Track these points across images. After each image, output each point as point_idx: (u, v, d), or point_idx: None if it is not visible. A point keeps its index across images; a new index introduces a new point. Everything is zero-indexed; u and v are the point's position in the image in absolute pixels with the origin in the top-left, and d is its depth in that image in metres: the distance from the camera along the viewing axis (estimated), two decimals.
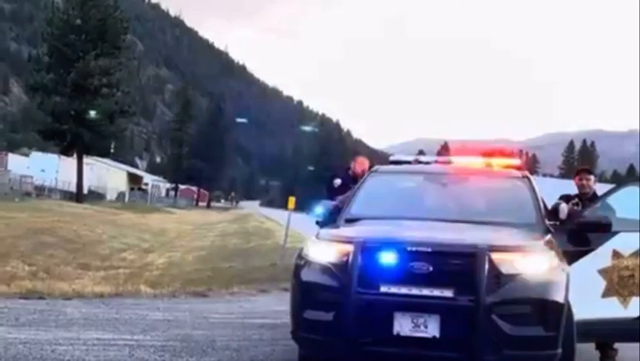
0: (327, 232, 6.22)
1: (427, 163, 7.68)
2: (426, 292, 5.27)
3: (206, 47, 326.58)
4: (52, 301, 9.57)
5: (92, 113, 50.74)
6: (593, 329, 6.40)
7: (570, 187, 8.27)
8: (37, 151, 75.36)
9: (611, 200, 7.18)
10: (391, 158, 7.95)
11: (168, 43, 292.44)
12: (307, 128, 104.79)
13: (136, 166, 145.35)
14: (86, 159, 56.99)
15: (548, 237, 5.99)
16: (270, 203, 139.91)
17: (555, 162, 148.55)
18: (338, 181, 9.49)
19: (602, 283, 6.68)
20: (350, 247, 5.48)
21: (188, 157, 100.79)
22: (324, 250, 5.72)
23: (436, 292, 5.26)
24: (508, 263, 5.36)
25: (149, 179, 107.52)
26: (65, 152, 56.12)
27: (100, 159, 70.47)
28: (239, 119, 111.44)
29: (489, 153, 7.64)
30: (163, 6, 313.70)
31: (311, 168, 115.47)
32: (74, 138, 52.23)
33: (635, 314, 6.64)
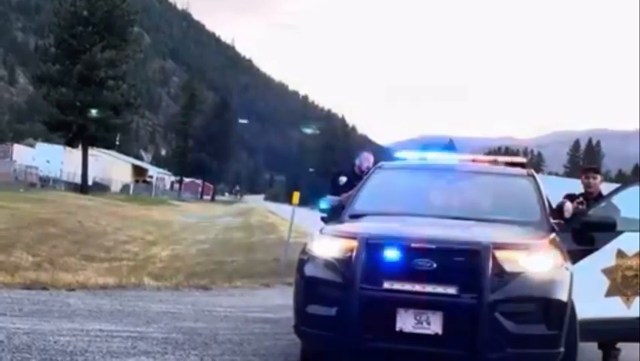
0: (331, 227, 6.23)
1: (432, 160, 7.66)
2: (429, 288, 5.27)
3: (213, 40, 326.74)
4: (55, 292, 9.58)
5: (96, 111, 50.77)
6: (596, 328, 6.39)
7: (575, 186, 8.25)
8: (43, 142, 75.48)
9: (616, 199, 7.17)
10: (396, 154, 7.93)
11: (175, 36, 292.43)
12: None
13: (141, 159, 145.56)
14: (91, 151, 57.07)
15: (553, 235, 5.98)
16: (274, 197, 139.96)
17: (560, 161, 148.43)
18: (343, 179, 9.45)
19: (605, 283, 6.67)
20: (354, 243, 5.48)
21: (193, 150, 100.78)
22: (328, 246, 5.72)
23: (440, 289, 5.26)
24: (512, 261, 5.35)
25: (153, 171, 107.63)
26: (71, 143, 56.24)
27: (105, 150, 70.56)
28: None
29: (494, 152, 7.62)
30: None
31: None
32: (80, 130, 52.32)
33: (638, 314, 6.63)
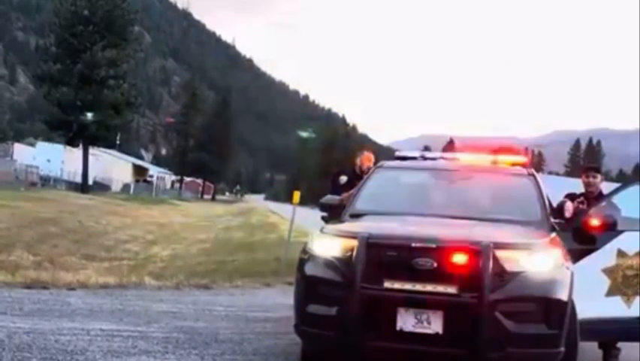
0: (331, 226, 6.23)
1: (433, 159, 7.66)
2: (429, 288, 5.27)
3: (214, 39, 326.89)
4: (56, 292, 9.59)
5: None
6: (597, 327, 6.39)
7: (576, 186, 8.25)
8: (44, 141, 75.47)
9: (617, 199, 7.17)
10: (397, 154, 7.93)
11: (175, 35, 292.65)
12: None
13: (141, 158, 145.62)
14: (92, 150, 57.06)
15: (553, 235, 5.99)
16: (274, 197, 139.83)
17: (561, 160, 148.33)
18: (344, 178, 9.45)
19: (606, 282, 6.67)
20: (354, 242, 5.48)
21: (193, 150, 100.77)
22: (329, 245, 5.72)
23: (440, 289, 5.26)
24: (513, 261, 5.36)
25: (154, 171, 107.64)
26: (71, 142, 56.25)
27: (105, 150, 70.56)
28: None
29: (495, 150, 7.61)
30: None
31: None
32: (80, 129, 52.33)
33: (638, 314, 6.63)
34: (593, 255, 6.61)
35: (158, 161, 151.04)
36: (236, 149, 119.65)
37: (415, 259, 5.32)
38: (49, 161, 64.21)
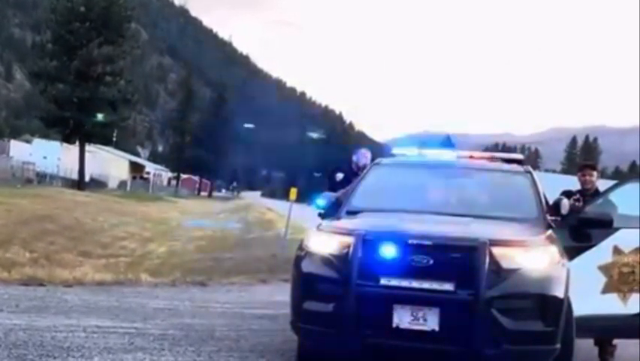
0: (328, 223, 6.23)
1: (429, 157, 7.66)
2: (426, 285, 5.28)
3: (211, 36, 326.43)
4: (52, 289, 9.59)
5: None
6: (593, 324, 6.41)
7: (572, 183, 8.27)
8: (40, 138, 75.36)
9: (613, 196, 7.19)
10: (394, 151, 7.93)
11: (172, 32, 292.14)
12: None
13: (138, 155, 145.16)
14: (88, 147, 56.90)
15: (549, 232, 5.99)
16: (271, 194, 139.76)
17: (558, 158, 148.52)
18: (340, 175, 9.48)
19: (602, 279, 6.68)
20: (351, 239, 5.49)
21: (190, 146, 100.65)
22: (325, 242, 5.72)
23: (436, 286, 5.27)
24: (509, 258, 5.36)
25: (151, 168, 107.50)
26: (67, 139, 56.08)
27: (102, 147, 70.39)
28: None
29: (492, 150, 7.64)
30: None
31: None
32: (77, 126, 52.22)
33: (634, 311, 6.64)
34: (589, 252, 6.62)
35: (154, 158, 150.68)
36: (233, 146, 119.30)
37: (412, 256, 5.33)
38: (45, 158, 64.08)
